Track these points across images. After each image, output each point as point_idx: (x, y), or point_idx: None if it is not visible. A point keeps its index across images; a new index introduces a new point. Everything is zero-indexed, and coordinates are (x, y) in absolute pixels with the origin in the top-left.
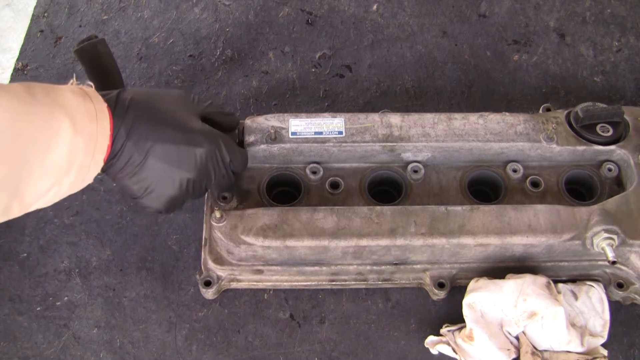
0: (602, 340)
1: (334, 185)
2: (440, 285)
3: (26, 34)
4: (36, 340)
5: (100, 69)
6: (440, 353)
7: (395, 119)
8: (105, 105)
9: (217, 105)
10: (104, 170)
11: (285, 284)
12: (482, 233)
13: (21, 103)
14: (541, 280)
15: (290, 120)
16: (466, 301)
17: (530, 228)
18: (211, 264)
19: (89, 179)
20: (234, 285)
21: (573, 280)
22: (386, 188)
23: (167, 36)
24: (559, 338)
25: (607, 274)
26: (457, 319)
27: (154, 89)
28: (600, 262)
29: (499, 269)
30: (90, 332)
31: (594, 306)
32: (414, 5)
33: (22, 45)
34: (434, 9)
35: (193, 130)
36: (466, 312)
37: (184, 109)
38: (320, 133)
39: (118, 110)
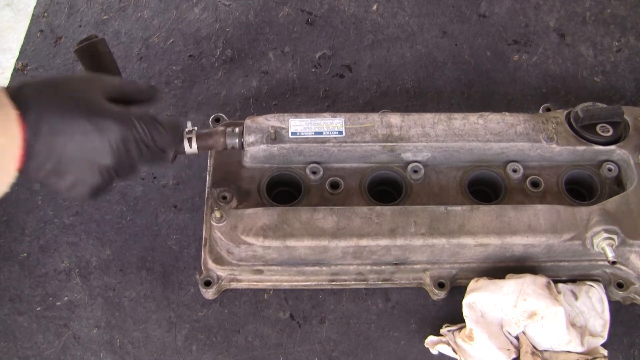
0: (602, 340)
1: (334, 185)
2: (440, 285)
3: (26, 34)
4: (36, 340)
5: (100, 68)
6: (440, 353)
7: (395, 119)
8: (14, 113)
9: (128, 82)
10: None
11: (285, 284)
12: (482, 233)
13: None
14: (541, 280)
15: (290, 120)
16: (466, 301)
17: (530, 228)
18: (211, 264)
19: (3, 189)
20: (234, 285)
21: (573, 280)
22: (386, 188)
23: (167, 36)
24: (559, 338)
25: (607, 274)
26: (457, 319)
27: (57, 75)
28: (600, 262)
29: (499, 269)
30: (90, 332)
31: (594, 306)
32: (414, 5)
33: (22, 45)
34: (434, 9)
35: (102, 114)
36: (466, 312)
37: (90, 94)
38: (320, 133)
39: (20, 110)
